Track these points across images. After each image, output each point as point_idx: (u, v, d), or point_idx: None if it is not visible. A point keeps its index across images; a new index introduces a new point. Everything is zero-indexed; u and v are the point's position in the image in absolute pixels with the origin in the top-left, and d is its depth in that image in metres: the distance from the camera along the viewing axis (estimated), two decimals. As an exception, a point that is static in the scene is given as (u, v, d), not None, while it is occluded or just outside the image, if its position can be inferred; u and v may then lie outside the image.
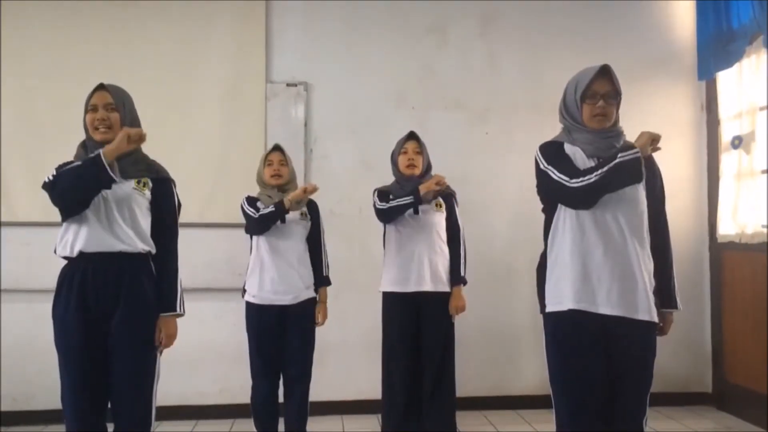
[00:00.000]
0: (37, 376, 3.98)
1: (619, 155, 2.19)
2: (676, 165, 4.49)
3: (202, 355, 4.22)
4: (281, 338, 3.28)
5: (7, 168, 4.12)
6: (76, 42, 4.21)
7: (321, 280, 3.40)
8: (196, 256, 4.13)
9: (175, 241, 2.59)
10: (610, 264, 2.24)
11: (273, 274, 3.25)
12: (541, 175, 2.37)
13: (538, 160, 2.38)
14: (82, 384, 2.39)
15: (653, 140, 2.29)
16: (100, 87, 2.49)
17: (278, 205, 3.18)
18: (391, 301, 3.43)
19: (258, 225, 3.22)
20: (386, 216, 3.40)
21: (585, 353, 2.26)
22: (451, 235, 3.50)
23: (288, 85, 4.36)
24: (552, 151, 2.38)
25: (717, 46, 4.27)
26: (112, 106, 2.46)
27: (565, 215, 2.32)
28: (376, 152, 4.21)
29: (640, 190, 2.33)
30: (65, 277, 2.44)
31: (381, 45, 4.46)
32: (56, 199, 2.40)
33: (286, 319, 3.26)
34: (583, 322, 2.25)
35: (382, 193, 3.47)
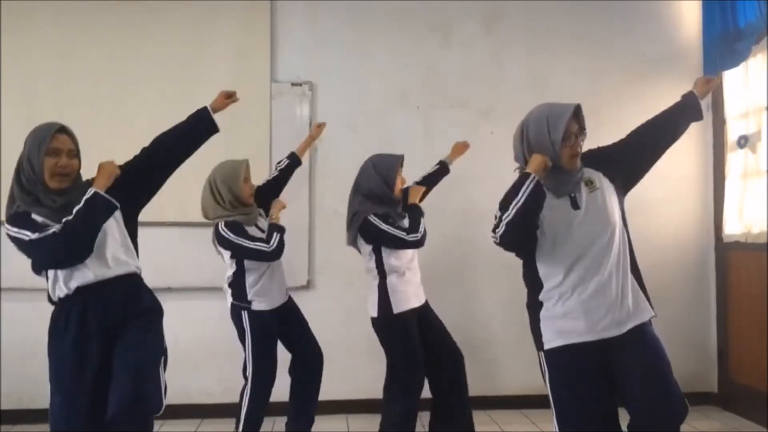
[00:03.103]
0: (41, 374, 3.95)
1: (524, 187, 2.20)
2: (682, 164, 4.48)
3: (207, 354, 4.22)
4: (283, 332, 3.45)
5: (10, 166, 4.10)
6: (78, 43, 4.21)
7: (295, 160, 3.66)
8: (200, 256, 4.13)
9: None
10: (605, 290, 2.25)
11: (279, 277, 3.39)
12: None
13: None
14: (83, 420, 2.37)
15: (545, 163, 2.24)
16: (62, 130, 2.40)
17: (281, 229, 3.24)
18: (412, 319, 3.38)
19: (278, 254, 3.23)
20: (420, 245, 3.32)
21: (593, 384, 2.27)
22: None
23: (293, 84, 4.36)
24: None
25: (723, 45, 4.24)
26: (74, 153, 2.41)
27: (546, 263, 2.31)
28: (380, 151, 4.20)
29: (606, 207, 2.31)
30: (60, 316, 2.43)
31: (385, 44, 4.46)
32: (71, 248, 2.33)
33: (287, 312, 3.46)
34: (588, 353, 2.26)
35: (382, 216, 3.32)
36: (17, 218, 2.36)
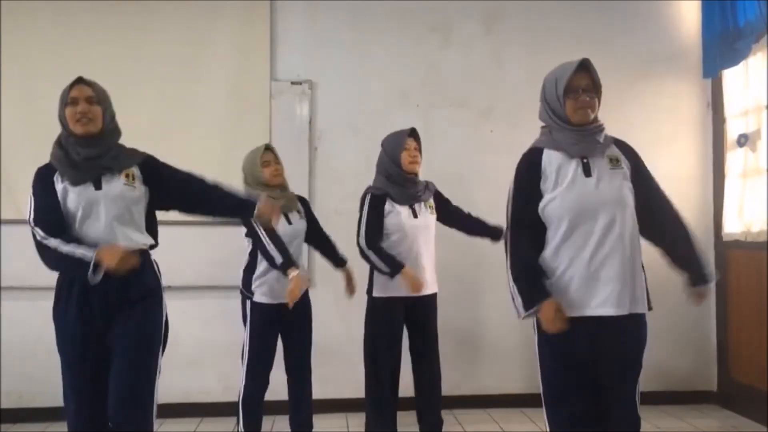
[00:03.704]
0: (42, 373, 3.99)
1: (528, 312, 2.26)
2: (682, 163, 4.48)
3: (207, 353, 4.23)
4: (283, 334, 3.37)
5: (10, 165, 4.12)
6: (79, 41, 4.21)
7: (340, 261, 3.52)
8: (200, 254, 4.15)
9: (198, 177, 2.58)
10: (605, 267, 2.24)
11: (276, 275, 3.27)
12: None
13: (514, 177, 2.39)
14: (86, 389, 2.39)
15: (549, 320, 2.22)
16: (80, 80, 2.45)
17: (285, 263, 3.11)
18: (386, 306, 3.38)
19: (279, 266, 3.18)
20: (362, 256, 3.35)
21: (579, 355, 2.28)
22: (458, 212, 3.62)
23: (292, 83, 4.36)
24: (523, 172, 2.36)
25: (723, 44, 4.24)
26: (94, 100, 2.42)
27: (551, 225, 2.30)
28: (379, 151, 4.22)
29: (624, 187, 2.31)
30: (64, 281, 2.42)
31: (385, 43, 4.46)
32: (40, 257, 2.38)
33: (289, 314, 3.29)
34: (578, 327, 2.25)
35: (375, 200, 3.36)
36: (40, 174, 2.44)
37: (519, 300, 2.28)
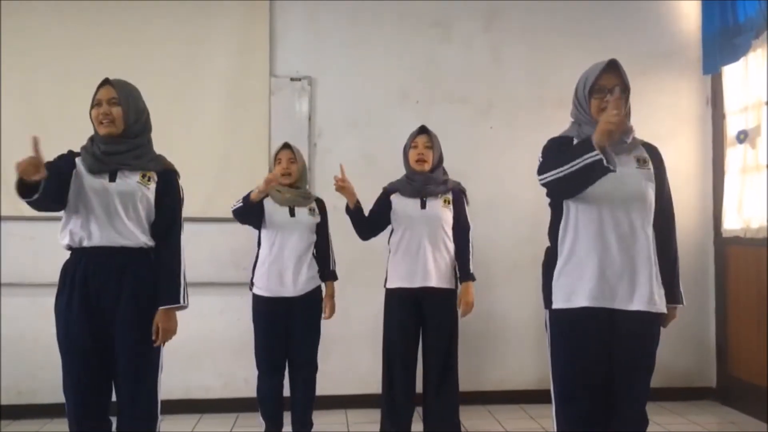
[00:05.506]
0: (41, 369, 4.00)
1: (583, 157, 2.13)
2: (681, 159, 4.48)
3: (207, 350, 4.23)
4: (288, 329, 3.35)
5: (9, 164, 4.09)
6: (79, 38, 4.20)
7: (328, 275, 3.48)
8: (200, 251, 4.13)
9: (177, 235, 2.55)
10: (624, 260, 2.26)
11: (280, 266, 3.30)
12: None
13: (543, 150, 2.41)
14: (86, 380, 2.41)
15: (608, 129, 2.11)
16: (105, 82, 2.49)
17: (246, 199, 3.25)
18: (395, 296, 3.40)
19: (236, 217, 3.33)
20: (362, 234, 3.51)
21: (593, 350, 2.28)
22: (461, 232, 3.47)
23: (292, 79, 4.35)
24: (553, 145, 2.39)
25: (723, 40, 4.24)
26: (115, 101, 2.46)
27: (576, 211, 2.32)
28: (379, 147, 4.23)
29: (649, 187, 2.34)
30: (67, 272, 2.45)
31: (385, 39, 4.45)
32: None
33: (293, 309, 3.32)
34: (594, 319, 2.27)
35: (383, 194, 3.49)
36: (68, 152, 2.54)
37: (578, 155, 2.15)
